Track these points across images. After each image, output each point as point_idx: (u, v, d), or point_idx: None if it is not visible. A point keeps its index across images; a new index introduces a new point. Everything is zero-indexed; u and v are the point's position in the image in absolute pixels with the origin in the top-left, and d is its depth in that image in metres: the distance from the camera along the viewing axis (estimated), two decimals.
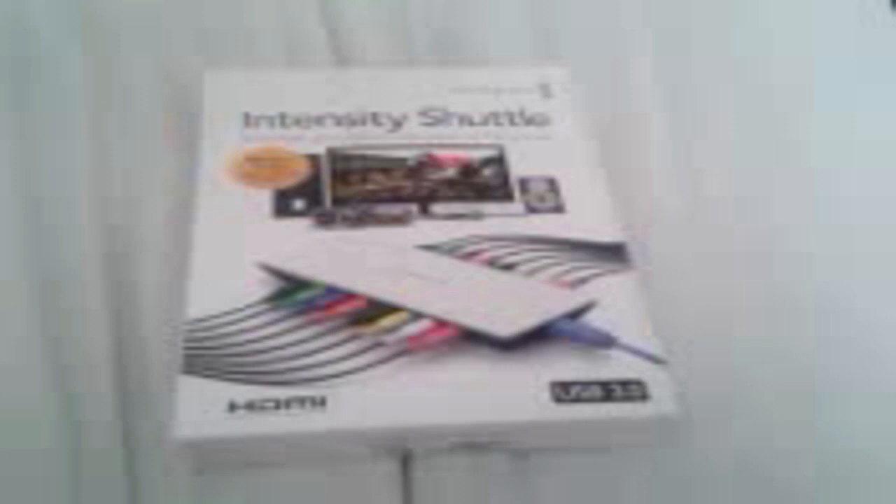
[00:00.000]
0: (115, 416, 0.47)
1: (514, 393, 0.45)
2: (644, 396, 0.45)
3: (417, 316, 0.47)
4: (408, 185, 0.54)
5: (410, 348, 0.45)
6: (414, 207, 0.52)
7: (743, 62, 0.67)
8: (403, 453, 0.47)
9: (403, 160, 0.55)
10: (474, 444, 0.46)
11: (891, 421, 0.50)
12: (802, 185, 0.60)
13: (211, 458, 0.45)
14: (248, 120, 0.56)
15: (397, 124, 0.57)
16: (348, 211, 0.52)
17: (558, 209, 0.53)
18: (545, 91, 0.60)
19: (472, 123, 0.57)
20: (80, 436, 0.46)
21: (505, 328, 0.46)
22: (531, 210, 0.53)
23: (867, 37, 0.71)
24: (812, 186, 0.60)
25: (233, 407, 0.43)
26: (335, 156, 0.55)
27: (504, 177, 0.55)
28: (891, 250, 0.58)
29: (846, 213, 0.59)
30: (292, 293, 0.48)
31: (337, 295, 0.48)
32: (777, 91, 0.66)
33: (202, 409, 0.43)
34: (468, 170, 0.55)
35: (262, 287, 0.48)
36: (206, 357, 0.45)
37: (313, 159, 0.54)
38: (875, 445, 0.49)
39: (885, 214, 0.60)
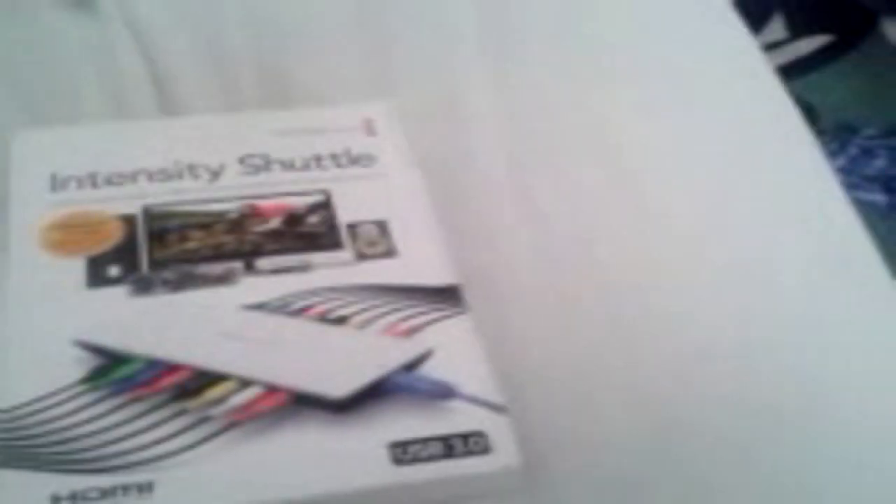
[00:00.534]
0: None
1: (352, 458, 0.43)
2: (485, 449, 0.44)
3: (245, 384, 0.44)
4: (230, 241, 0.51)
5: (239, 420, 0.43)
6: (238, 264, 0.50)
7: (582, 92, 0.67)
8: None
9: (224, 213, 0.53)
10: None
11: (754, 449, 0.50)
12: (648, 216, 0.60)
13: None
14: (55, 182, 0.53)
15: (215, 175, 0.54)
16: (167, 274, 0.49)
17: (389, 254, 0.52)
18: (369, 128, 0.58)
19: (294, 168, 0.55)
20: None
21: (337, 388, 0.44)
22: (361, 257, 0.51)
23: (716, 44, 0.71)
24: (658, 217, 0.60)
25: (56, 500, 0.40)
26: (151, 214, 0.52)
27: (331, 223, 0.53)
28: (745, 275, 0.58)
29: (697, 239, 0.59)
30: (110, 370, 0.45)
31: (159, 368, 0.45)
32: (616, 120, 0.65)
33: None
34: (293, 218, 0.53)
35: (79, 366, 0.45)
36: (24, 447, 0.42)
37: (128, 220, 0.51)
38: (739, 476, 0.49)
39: (732, 236, 0.60)
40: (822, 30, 1.31)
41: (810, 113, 1.45)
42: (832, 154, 1.37)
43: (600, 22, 0.71)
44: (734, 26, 0.72)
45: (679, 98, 0.68)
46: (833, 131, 1.40)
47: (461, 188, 0.59)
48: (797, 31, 1.28)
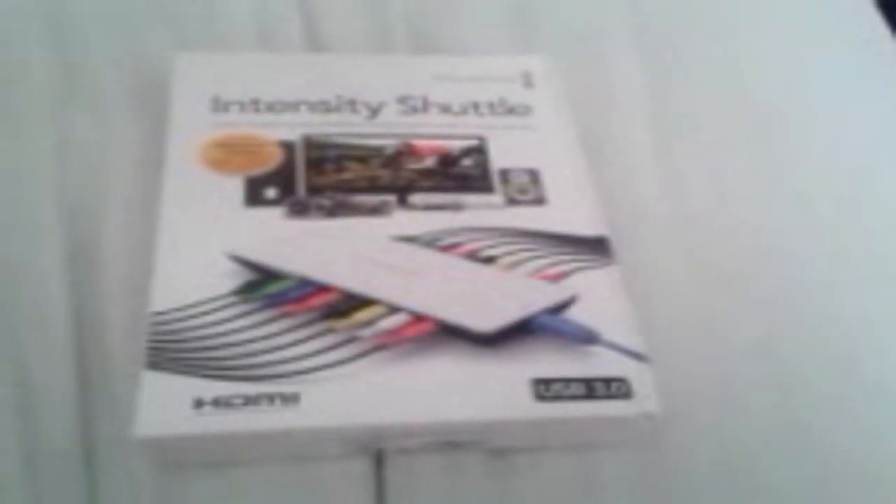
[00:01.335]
0: (75, 414, 0.45)
1: (494, 390, 0.43)
2: (627, 394, 0.44)
3: (394, 310, 0.45)
4: (385, 175, 0.52)
5: (386, 343, 0.44)
6: (391, 197, 0.51)
7: (729, 61, 0.66)
8: (377, 452, 0.45)
9: (381, 149, 0.53)
10: (451, 442, 0.44)
11: (875, 420, 0.50)
12: (785, 184, 0.59)
13: (176, 456, 0.43)
14: (218, 104, 0.54)
15: (374, 112, 0.55)
16: (323, 200, 0.50)
17: (540, 201, 0.52)
18: (527, 81, 0.58)
19: (452, 112, 0.55)
20: (39, 437, 0.44)
21: (485, 323, 0.44)
22: (512, 202, 0.51)
23: (856, 39, 0.70)
24: (794, 185, 0.59)
25: (199, 403, 0.41)
26: (310, 143, 0.53)
27: (484, 167, 0.53)
28: (871, 249, 0.57)
29: (829, 212, 0.58)
30: (263, 285, 0.46)
31: (310, 288, 0.46)
32: (762, 90, 0.65)
33: (167, 405, 0.41)
34: (448, 159, 0.53)
35: (231, 279, 0.46)
36: (172, 352, 0.43)
37: (287, 146, 0.52)
38: (859, 445, 0.49)
39: (865, 213, 0.59)
40: None
41: None
42: None
43: None
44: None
45: (828, 75, 0.67)
46: None
47: (606, 145, 0.59)
48: None
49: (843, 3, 0.72)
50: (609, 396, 0.43)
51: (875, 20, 0.70)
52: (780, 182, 0.59)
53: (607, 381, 0.44)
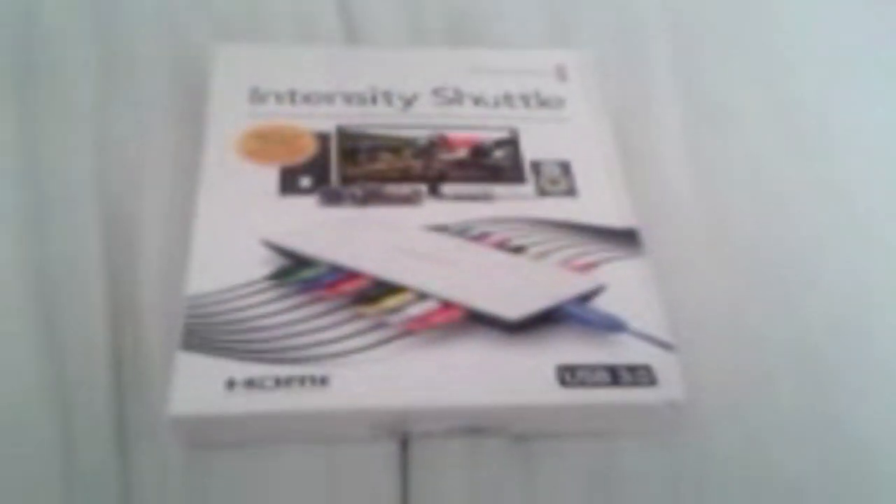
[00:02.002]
0: (111, 394, 0.46)
1: (519, 376, 0.44)
2: (652, 382, 0.44)
3: (422, 297, 0.46)
4: (417, 165, 0.52)
5: (414, 329, 0.44)
6: (423, 187, 0.51)
7: (764, 55, 0.66)
8: (403, 435, 0.46)
9: (414, 140, 0.54)
10: (476, 427, 0.45)
11: None
12: (821, 179, 0.59)
13: (207, 436, 0.44)
14: (256, 95, 0.55)
15: (408, 103, 0.55)
16: (356, 190, 0.51)
17: (571, 193, 0.52)
18: (561, 74, 0.58)
19: (485, 104, 0.56)
20: (73, 416, 0.45)
21: (512, 310, 0.45)
22: (543, 193, 0.52)
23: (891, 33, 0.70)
24: (831, 179, 0.59)
25: (231, 384, 0.42)
26: (344, 134, 0.54)
27: (516, 159, 0.54)
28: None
29: (867, 206, 0.58)
30: (295, 271, 0.47)
31: (341, 274, 0.47)
32: (798, 85, 0.65)
33: (200, 385, 0.42)
34: (480, 151, 0.54)
35: (265, 264, 0.47)
36: (206, 333, 0.44)
37: (322, 137, 0.53)
38: (889, 438, 0.49)
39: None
40: None
41: None
42: None
43: None
44: None
45: (867, 69, 0.67)
46: None
47: (640, 140, 0.59)
48: None
49: None
50: (634, 384, 0.44)
51: None
52: (816, 177, 0.59)
53: (632, 369, 0.44)
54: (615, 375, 0.44)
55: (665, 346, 0.45)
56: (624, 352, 0.45)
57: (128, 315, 0.49)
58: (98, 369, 0.47)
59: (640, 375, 0.44)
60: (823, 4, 0.71)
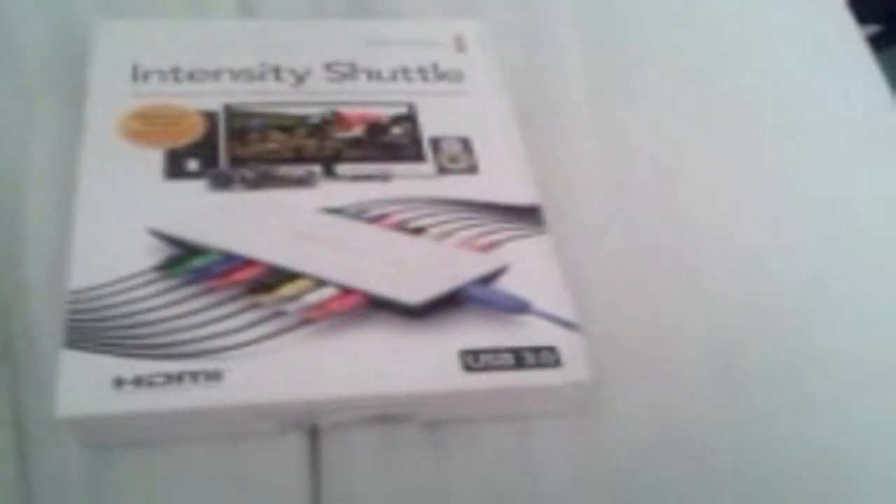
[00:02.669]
0: (4, 392, 0.44)
1: (423, 362, 0.43)
2: (557, 363, 0.43)
3: (320, 283, 0.44)
4: (311, 145, 0.51)
5: (313, 317, 0.43)
6: (317, 168, 0.50)
7: (674, 34, 0.66)
8: (310, 427, 0.44)
9: (307, 118, 0.52)
10: (384, 416, 0.44)
11: (812, 391, 0.50)
12: (726, 155, 0.59)
13: (100, 435, 0.42)
14: (137, 73, 0.52)
15: (300, 79, 0.53)
16: (247, 172, 0.49)
17: (472, 170, 0.51)
18: (459, 45, 0.57)
19: (381, 79, 0.54)
20: None
21: (414, 295, 0.44)
22: (443, 171, 0.51)
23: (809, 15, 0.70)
24: (731, 150, 0.59)
25: (119, 382, 0.40)
26: (233, 113, 0.51)
27: (415, 135, 0.52)
28: (808, 220, 0.57)
29: (768, 182, 0.58)
30: (185, 260, 0.45)
31: (233, 262, 0.45)
32: (701, 56, 0.65)
33: (86, 385, 0.40)
34: (376, 128, 0.52)
35: (152, 254, 0.45)
36: (91, 330, 0.42)
37: (209, 116, 0.51)
38: (796, 416, 0.49)
39: (804, 177, 0.59)
40: (871, 20, 1.27)
41: None
42: None
43: None
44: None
45: (769, 54, 0.66)
46: None
47: (543, 113, 0.58)
48: None
49: None
50: (538, 366, 0.43)
51: (842, 16, 0.70)
52: (720, 153, 0.59)
53: (536, 350, 0.43)
54: (519, 358, 0.43)
55: (569, 325, 0.45)
56: (528, 333, 0.44)
57: (17, 310, 0.46)
58: None
59: (544, 357, 0.43)
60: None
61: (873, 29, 1.34)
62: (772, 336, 0.51)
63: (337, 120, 0.52)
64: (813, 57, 0.66)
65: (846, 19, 0.69)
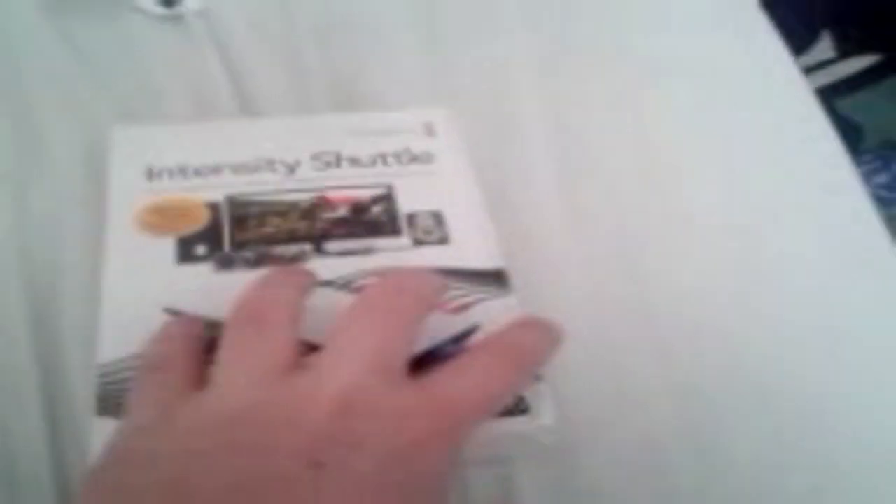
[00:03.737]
0: (49, 457, 0.50)
1: None
2: (524, 411, 0.48)
3: (311, 347, 0.49)
4: (302, 226, 0.57)
5: None
6: (308, 247, 0.56)
7: (627, 106, 0.72)
8: None
9: (298, 202, 0.59)
10: None
11: (766, 420, 0.55)
12: (684, 221, 0.65)
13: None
14: (150, 173, 0.59)
15: (291, 169, 0.60)
16: (247, 253, 0.55)
17: (443, 241, 0.57)
18: (429, 130, 0.64)
19: (361, 164, 0.61)
20: (15, 480, 0.49)
21: None
22: (418, 243, 0.57)
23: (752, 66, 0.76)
24: (683, 209, 0.65)
25: None
26: (234, 202, 0.58)
27: (392, 213, 0.59)
28: (752, 256, 0.63)
29: (726, 244, 0.64)
30: None
31: None
32: (661, 136, 0.70)
33: None
34: (359, 208, 0.59)
35: None
36: (120, 398, 0.47)
37: (213, 207, 0.58)
38: (751, 443, 0.54)
39: (751, 221, 0.65)
40: (870, 49, 1.32)
41: (857, 132, 1.46)
42: (876, 170, 1.39)
43: (642, 39, 0.77)
44: (773, 45, 0.77)
45: (715, 110, 0.72)
46: (878, 149, 1.42)
47: (508, 185, 0.65)
48: (845, 50, 1.29)
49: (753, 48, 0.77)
50: (506, 413, 0.48)
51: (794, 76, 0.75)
52: (676, 215, 0.65)
53: None
54: None
55: (535, 376, 0.50)
56: None
57: (57, 381, 0.53)
58: (36, 434, 0.50)
59: (512, 405, 0.48)
60: (690, 44, 0.77)
61: (872, 59, 1.39)
62: (739, 385, 0.56)
63: (324, 203, 0.59)
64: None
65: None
